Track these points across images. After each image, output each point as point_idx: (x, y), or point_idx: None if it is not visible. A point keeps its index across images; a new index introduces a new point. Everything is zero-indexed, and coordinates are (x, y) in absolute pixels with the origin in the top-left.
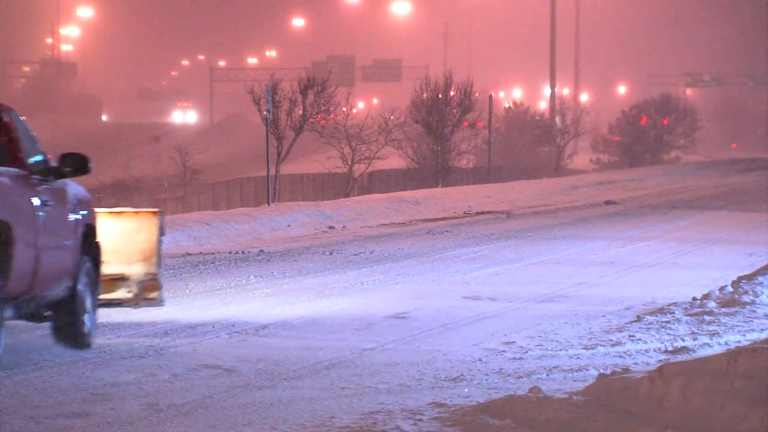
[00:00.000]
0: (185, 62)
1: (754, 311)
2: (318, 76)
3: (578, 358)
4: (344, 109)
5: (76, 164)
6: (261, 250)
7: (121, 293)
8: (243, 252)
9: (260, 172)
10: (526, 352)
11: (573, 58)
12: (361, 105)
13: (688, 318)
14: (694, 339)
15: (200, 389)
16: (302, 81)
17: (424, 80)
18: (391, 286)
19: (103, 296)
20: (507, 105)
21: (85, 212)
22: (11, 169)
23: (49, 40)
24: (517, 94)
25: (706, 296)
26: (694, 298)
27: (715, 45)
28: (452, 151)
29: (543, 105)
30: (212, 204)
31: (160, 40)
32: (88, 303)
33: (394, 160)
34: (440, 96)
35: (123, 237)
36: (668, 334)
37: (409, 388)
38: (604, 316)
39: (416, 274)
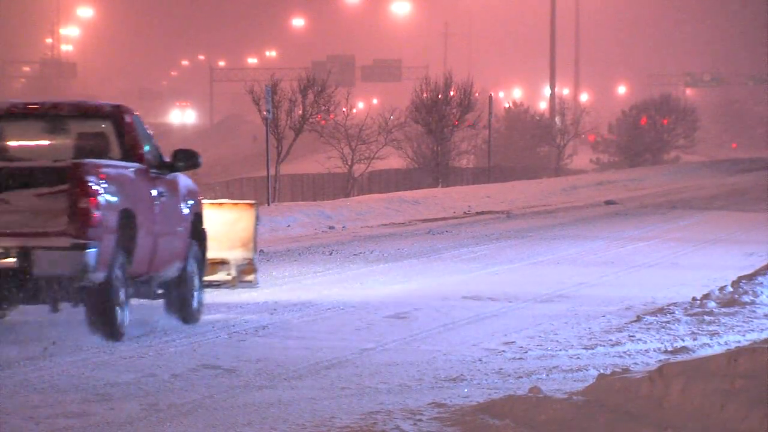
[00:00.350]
0: (185, 62)
1: (754, 311)
2: (318, 76)
3: (578, 358)
4: (344, 109)
5: (187, 159)
6: (261, 250)
7: (221, 276)
8: None
9: (260, 172)
10: (526, 352)
11: (573, 58)
12: (361, 105)
13: (688, 318)
14: (694, 339)
15: (200, 389)
16: (302, 81)
17: (424, 80)
18: (391, 286)
19: (204, 278)
20: (507, 105)
21: (193, 202)
22: (134, 164)
23: (49, 40)
24: (517, 94)
25: (706, 296)
26: (694, 298)
27: (715, 45)
28: (452, 151)
29: (543, 105)
30: None
31: (160, 40)
32: (196, 283)
33: (394, 160)
34: (440, 96)
35: (224, 226)
36: (668, 334)
37: (409, 388)
38: (604, 316)
39: (416, 274)
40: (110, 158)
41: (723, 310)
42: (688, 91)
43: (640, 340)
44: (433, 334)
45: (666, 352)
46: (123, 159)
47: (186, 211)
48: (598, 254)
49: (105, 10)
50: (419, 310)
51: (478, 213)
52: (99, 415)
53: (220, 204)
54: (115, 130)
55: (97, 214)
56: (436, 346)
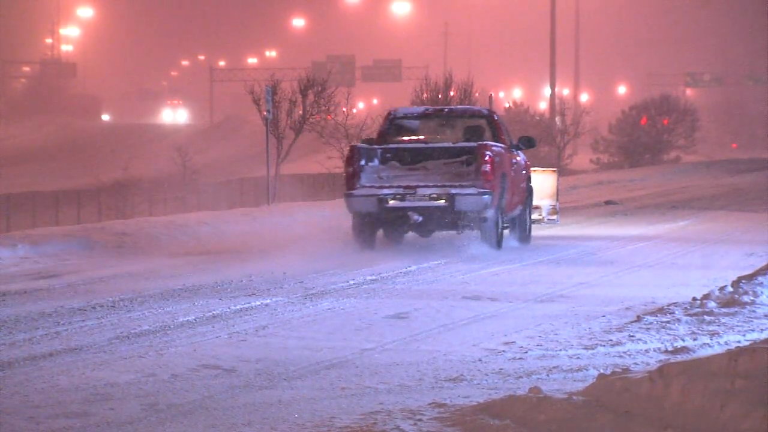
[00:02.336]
0: (185, 62)
1: (754, 311)
2: (318, 76)
3: (578, 358)
4: (344, 109)
5: (526, 142)
6: (261, 250)
7: (536, 216)
8: (242, 252)
9: (260, 172)
10: (526, 352)
11: (573, 58)
12: (361, 105)
13: (688, 318)
14: (694, 339)
15: (200, 389)
16: (302, 81)
17: (424, 80)
18: (392, 286)
19: None
20: (507, 105)
21: (526, 169)
22: (501, 145)
23: (49, 40)
24: (517, 94)
25: (706, 296)
26: (694, 298)
27: (715, 45)
28: None
29: (543, 105)
30: (212, 204)
31: (160, 40)
32: (528, 219)
33: None
34: (440, 96)
35: (538, 184)
36: (668, 334)
37: (409, 388)
38: (604, 316)
39: (416, 273)
40: None
41: (723, 310)
42: (688, 91)
43: (640, 340)
44: (433, 334)
45: (666, 352)
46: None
47: (524, 173)
48: (598, 254)
49: (105, 10)
50: (419, 310)
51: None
52: (99, 415)
53: (535, 170)
54: (488, 124)
55: (491, 174)
56: (436, 346)
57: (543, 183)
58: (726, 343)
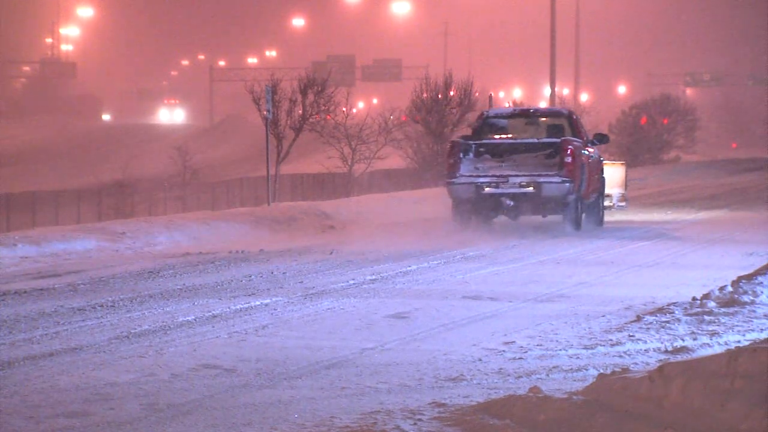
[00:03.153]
0: (185, 62)
1: (753, 311)
2: (318, 76)
3: (578, 357)
4: (344, 109)
5: (600, 139)
6: (261, 250)
7: (607, 202)
8: (242, 252)
9: (260, 172)
10: (526, 351)
11: (573, 58)
12: (361, 105)
13: (688, 318)
14: (694, 339)
15: (200, 389)
16: (302, 81)
17: (424, 80)
18: (392, 285)
19: None
20: (507, 105)
21: (599, 161)
22: (580, 140)
23: (49, 40)
24: (517, 93)
25: (705, 296)
26: (694, 298)
27: (715, 45)
28: None
29: (543, 105)
30: (212, 204)
31: (160, 40)
32: (601, 205)
33: (394, 160)
34: (440, 96)
35: (609, 175)
36: (668, 333)
37: (409, 387)
38: (603, 315)
39: (416, 273)
40: None
41: (723, 309)
42: (688, 91)
43: (640, 339)
44: (433, 334)
45: (666, 351)
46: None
47: (598, 164)
48: (598, 254)
49: (105, 10)
50: (419, 310)
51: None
52: (99, 415)
53: (606, 163)
54: (568, 123)
55: (572, 165)
56: (437, 346)
57: (613, 174)
58: (726, 343)
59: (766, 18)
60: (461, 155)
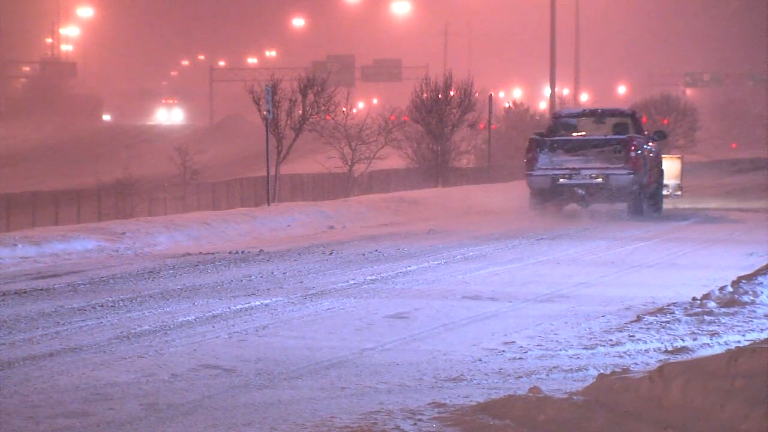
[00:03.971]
0: (185, 62)
1: (754, 311)
2: (318, 76)
3: (578, 358)
4: (344, 109)
5: (659, 135)
6: (261, 250)
7: (665, 192)
8: (243, 252)
9: (260, 172)
10: (526, 352)
11: (573, 58)
12: (361, 105)
13: (688, 318)
14: (694, 339)
15: (200, 389)
16: (302, 81)
17: (424, 80)
18: (392, 286)
19: None
20: (507, 105)
21: (658, 155)
22: (642, 137)
23: (49, 40)
24: (517, 93)
25: (706, 296)
26: (694, 298)
27: (715, 45)
28: (452, 151)
29: (543, 105)
30: (212, 204)
31: (160, 40)
32: (660, 194)
33: (394, 160)
34: (440, 96)
35: (666, 167)
36: (668, 334)
37: (409, 388)
38: (603, 316)
39: (416, 273)
40: None
41: (723, 310)
42: (688, 91)
43: (640, 340)
44: (433, 334)
45: (666, 352)
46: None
47: (657, 157)
48: (598, 254)
49: (105, 10)
50: (419, 310)
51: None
52: (99, 415)
53: (664, 156)
54: (631, 121)
55: (636, 159)
56: (436, 346)
57: (670, 167)
58: (726, 343)
59: (766, 18)
60: (538, 151)
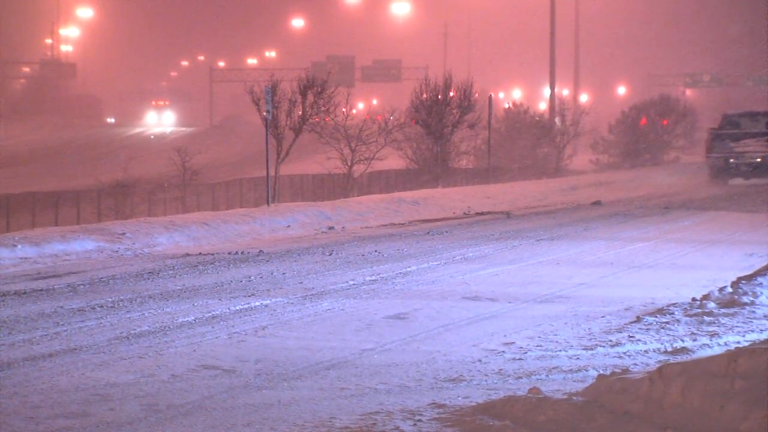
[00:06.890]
0: (185, 63)
1: (753, 312)
2: (317, 76)
3: (578, 358)
4: (344, 109)
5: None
6: (260, 251)
7: None
8: (242, 253)
9: (260, 172)
10: (526, 352)
11: (573, 59)
12: (360, 105)
13: (688, 319)
14: (694, 340)
15: (200, 390)
16: (302, 81)
17: (423, 80)
18: (391, 286)
19: None
20: (507, 105)
21: None
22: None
23: (48, 41)
24: (517, 94)
25: (705, 297)
26: (694, 299)
27: (715, 45)
28: (452, 151)
29: (543, 105)
30: (212, 204)
31: (160, 40)
32: None
33: (393, 161)
34: (440, 97)
35: None
36: (668, 334)
37: (409, 388)
38: (603, 316)
39: (416, 274)
40: None
41: (722, 310)
42: (688, 92)
43: (639, 340)
44: (432, 335)
45: (665, 352)
46: None
47: None
48: (598, 255)
49: (105, 10)
50: (419, 310)
51: (477, 213)
52: (99, 415)
53: None
54: None
55: None
56: (436, 347)
57: None
58: (725, 344)
59: (766, 18)
60: (714, 140)
